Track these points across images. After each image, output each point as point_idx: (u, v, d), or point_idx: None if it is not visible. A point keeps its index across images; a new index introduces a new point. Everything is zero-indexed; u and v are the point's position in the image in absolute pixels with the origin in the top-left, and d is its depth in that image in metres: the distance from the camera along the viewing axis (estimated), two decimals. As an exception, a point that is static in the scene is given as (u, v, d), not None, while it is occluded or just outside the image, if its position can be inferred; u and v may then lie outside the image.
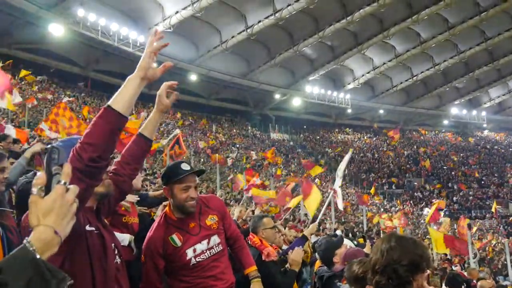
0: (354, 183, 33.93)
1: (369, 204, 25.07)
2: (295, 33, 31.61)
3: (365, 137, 43.45)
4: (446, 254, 12.43)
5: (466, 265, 12.05)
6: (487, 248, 17.03)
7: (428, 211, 28.51)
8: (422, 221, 26.83)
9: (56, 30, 24.17)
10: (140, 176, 4.75)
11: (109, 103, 1.73)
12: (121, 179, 2.15)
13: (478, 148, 43.95)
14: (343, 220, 17.75)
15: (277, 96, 37.16)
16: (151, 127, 2.24)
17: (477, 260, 13.07)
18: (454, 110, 44.68)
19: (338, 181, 6.65)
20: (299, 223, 11.58)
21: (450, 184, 36.50)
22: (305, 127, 42.57)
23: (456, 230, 11.28)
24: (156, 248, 2.62)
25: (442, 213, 16.06)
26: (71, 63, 29.01)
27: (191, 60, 30.83)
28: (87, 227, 1.91)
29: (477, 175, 36.29)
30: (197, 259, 2.65)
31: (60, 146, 1.13)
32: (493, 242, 19.17)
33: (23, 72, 18.86)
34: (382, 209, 27.66)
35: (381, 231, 12.85)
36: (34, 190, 1.06)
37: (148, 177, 11.05)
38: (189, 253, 2.64)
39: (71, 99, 22.08)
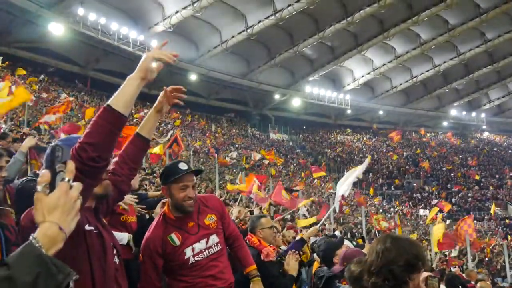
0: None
1: (367, 205, 25.08)
2: (295, 34, 31.61)
3: (365, 138, 43.47)
4: (445, 255, 12.45)
5: (464, 267, 12.06)
6: (485, 250, 17.03)
7: (423, 212, 28.56)
8: (421, 222, 26.85)
9: (56, 29, 24.15)
10: (138, 176, 4.76)
11: (108, 102, 1.73)
12: (120, 179, 2.15)
13: (478, 150, 43.98)
14: (342, 221, 17.74)
15: (276, 97, 37.16)
16: (149, 127, 2.24)
17: (475, 262, 13.08)
18: (453, 112, 44.68)
19: (346, 188, 6.42)
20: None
21: (449, 186, 36.51)
22: (304, 127, 42.57)
23: (460, 230, 11.28)
24: (155, 247, 2.63)
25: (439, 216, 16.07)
26: (71, 62, 29.00)
27: (191, 60, 30.83)
28: (86, 227, 1.92)
29: (477, 177, 36.33)
30: (196, 258, 2.66)
31: (62, 144, 1.15)
32: (492, 244, 19.18)
33: (19, 71, 18.87)
34: (381, 210, 27.66)
35: (376, 231, 12.85)
36: (39, 187, 1.08)
37: (147, 177, 11.03)
38: (188, 252, 2.65)
39: (71, 98, 22.08)
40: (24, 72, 19.54)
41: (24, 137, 10.79)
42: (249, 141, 34.74)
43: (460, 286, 5.46)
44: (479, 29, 33.95)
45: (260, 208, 9.73)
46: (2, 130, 8.00)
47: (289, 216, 11.01)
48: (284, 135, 40.42)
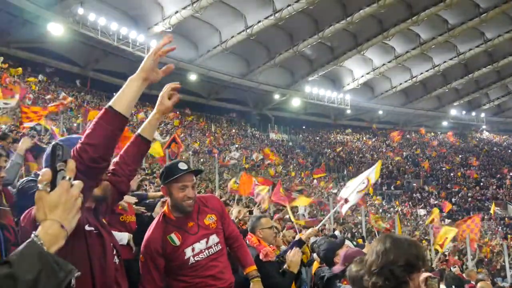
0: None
1: (367, 205, 25.08)
2: (295, 34, 31.62)
3: (365, 138, 43.48)
4: (444, 255, 12.45)
5: (464, 267, 12.05)
6: (483, 249, 17.04)
7: (423, 211, 28.57)
8: (420, 222, 26.85)
9: (56, 29, 24.13)
10: (136, 177, 4.76)
11: (110, 103, 1.73)
12: (119, 180, 2.14)
13: (477, 149, 43.99)
14: (342, 221, 17.74)
15: (276, 96, 37.16)
16: (150, 128, 2.23)
17: (474, 261, 13.08)
18: (453, 112, 44.70)
19: (350, 191, 6.22)
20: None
21: (449, 185, 36.52)
22: (304, 127, 42.59)
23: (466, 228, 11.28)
24: (155, 247, 2.63)
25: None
26: (70, 63, 28.99)
27: (191, 60, 30.84)
28: (86, 227, 1.92)
29: (475, 176, 36.35)
30: (196, 258, 2.66)
31: (62, 144, 1.16)
32: (493, 243, 19.19)
33: (14, 71, 18.88)
34: (380, 210, 27.67)
35: (376, 231, 12.85)
36: (40, 185, 1.09)
37: (147, 177, 11.03)
38: (188, 252, 2.65)
39: (70, 98, 22.09)
40: (20, 71, 19.52)
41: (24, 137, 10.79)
42: (249, 141, 34.74)
43: (453, 287, 5.47)
44: (478, 29, 33.96)
45: (260, 208, 9.73)
46: (1, 131, 8.00)
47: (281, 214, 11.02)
48: (284, 135, 40.42)
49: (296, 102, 38.09)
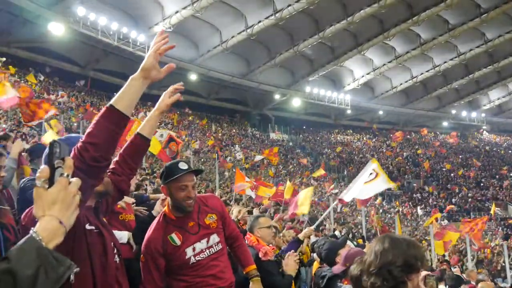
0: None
1: (367, 205, 25.05)
2: (295, 34, 31.61)
3: (365, 138, 43.48)
4: (444, 255, 12.45)
5: (464, 267, 12.06)
6: (485, 250, 17.03)
7: (421, 211, 28.55)
8: (421, 222, 26.83)
9: (56, 29, 24.15)
10: (134, 178, 4.75)
11: (111, 102, 1.73)
12: (120, 179, 2.15)
13: (478, 150, 43.97)
14: (342, 221, 17.74)
15: (276, 96, 37.17)
16: (150, 127, 2.24)
17: (474, 261, 13.09)
18: (453, 112, 44.69)
19: (348, 191, 6.14)
20: (298, 223, 11.56)
21: (449, 186, 36.51)
22: (304, 127, 42.59)
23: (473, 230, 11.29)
24: (156, 247, 2.63)
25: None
26: (71, 62, 29.01)
27: (191, 60, 30.85)
28: (87, 226, 1.92)
29: (472, 175, 36.35)
30: (197, 258, 2.66)
31: (60, 141, 1.16)
32: (492, 244, 19.19)
33: (11, 69, 18.90)
34: (381, 210, 27.65)
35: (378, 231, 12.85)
36: (38, 182, 1.09)
37: (147, 177, 11.02)
38: (189, 252, 2.65)
39: (64, 98, 22.15)
40: (15, 70, 19.55)
41: (23, 137, 10.81)
42: (249, 141, 34.75)
43: (447, 286, 5.47)
44: (479, 29, 33.96)
45: (260, 208, 9.74)
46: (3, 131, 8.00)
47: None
48: (284, 135, 40.42)
49: (296, 102, 38.10)
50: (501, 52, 36.44)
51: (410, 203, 33.18)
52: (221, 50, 30.59)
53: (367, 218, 15.36)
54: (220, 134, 32.82)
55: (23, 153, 4.40)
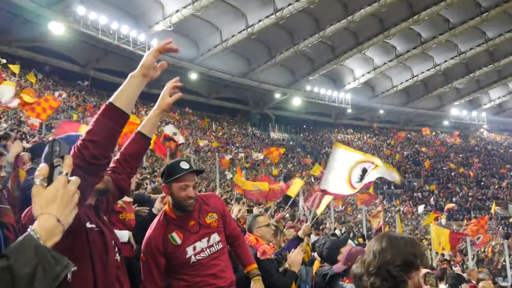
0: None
1: (371, 204, 25.05)
2: (296, 33, 31.60)
3: (365, 137, 43.47)
4: (443, 255, 12.44)
5: (464, 266, 12.06)
6: (486, 249, 17.04)
7: (421, 209, 28.55)
8: (421, 221, 26.83)
9: (56, 28, 24.15)
10: (134, 178, 4.74)
11: (111, 100, 1.72)
12: (120, 177, 2.14)
13: (478, 149, 43.95)
14: (342, 220, 17.76)
15: (277, 96, 37.16)
16: (151, 125, 2.23)
17: (474, 260, 13.09)
18: (454, 111, 44.66)
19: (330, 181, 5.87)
20: (299, 222, 11.56)
21: (450, 185, 36.51)
22: (305, 126, 42.57)
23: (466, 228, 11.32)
24: (157, 246, 2.62)
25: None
26: (71, 62, 29.01)
27: (192, 59, 30.83)
28: (88, 224, 1.92)
29: (472, 174, 36.34)
30: (197, 257, 2.65)
31: (60, 140, 1.16)
32: (493, 243, 19.19)
33: (14, 67, 18.89)
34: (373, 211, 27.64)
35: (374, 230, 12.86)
36: (37, 180, 1.09)
37: (148, 176, 11.02)
38: (189, 251, 2.64)
39: (64, 94, 22.12)
40: (18, 67, 19.53)
41: (23, 136, 10.81)
42: (249, 140, 34.74)
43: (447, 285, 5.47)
44: (480, 28, 33.93)
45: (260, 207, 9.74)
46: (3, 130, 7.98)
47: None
48: (285, 134, 40.41)
49: (296, 101, 38.09)
50: (502, 51, 36.41)
51: (410, 202, 33.18)
52: (221, 49, 30.58)
53: (369, 215, 15.33)
54: (220, 133, 32.82)
55: (23, 153, 4.38)
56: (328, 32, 30.46)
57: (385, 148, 41.54)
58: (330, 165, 5.95)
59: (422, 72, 38.40)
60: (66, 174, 1.11)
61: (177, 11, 26.88)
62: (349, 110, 40.52)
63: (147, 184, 8.34)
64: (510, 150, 43.85)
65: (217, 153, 20.64)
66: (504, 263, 13.76)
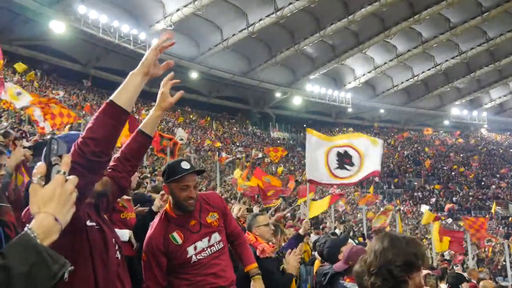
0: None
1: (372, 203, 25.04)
2: (296, 32, 31.58)
3: (366, 137, 43.37)
4: (443, 255, 12.45)
5: (465, 266, 12.05)
6: (486, 249, 17.03)
7: (424, 208, 28.58)
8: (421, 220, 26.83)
9: (57, 27, 24.17)
10: (136, 174, 4.75)
11: (111, 98, 1.72)
12: (120, 175, 2.14)
13: (479, 148, 43.92)
14: (342, 219, 17.75)
15: (277, 95, 37.15)
16: (152, 124, 2.21)
17: (475, 260, 13.09)
18: (455, 111, 44.63)
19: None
20: (299, 221, 11.56)
21: (450, 184, 36.50)
22: (305, 125, 42.51)
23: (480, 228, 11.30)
24: (157, 246, 2.62)
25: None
26: (72, 60, 29.01)
27: (192, 58, 30.83)
28: (88, 223, 1.92)
29: (471, 176, 36.33)
30: (198, 257, 2.64)
31: (59, 138, 1.16)
32: (493, 243, 19.20)
33: (21, 66, 18.84)
34: (382, 209, 27.64)
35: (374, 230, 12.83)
36: (35, 179, 1.08)
37: (148, 175, 11.01)
38: (190, 251, 2.63)
39: (69, 94, 22.10)
40: (26, 68, 19.52)
41: (23, 135, 10.80)
42: (250, 140, 34.74)
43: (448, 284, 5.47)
44: (480, 28, 33.89)
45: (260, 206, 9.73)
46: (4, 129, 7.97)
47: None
48: (285, 133, 40.40)
49: (297, 101, 38.07)
50: (503, 51, 36.38)
51: (411, 201, 33.17)
52: (222, 48, 30.57)
53: (373, 212, 15.31)
54: (220, 132, 32.81)
55: (24, 148, 4.36)
56: (329, 31, 30.44)
57: (385, 147, 41.50)
58: (307, 154, 5.92)
59: (423, 72, 38.37)
60: (64, 173, 1.11)
61: (178, 10, 26.88)
62: (350, 110, 40.50)
63: (147, 183, 8.34)
64: (511, 150, 43.81)
65: (217, 152, 20.63)
66: (504, 262, 13.76)
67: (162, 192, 3.54)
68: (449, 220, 23.69)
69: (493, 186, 36.11)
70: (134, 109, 19.86)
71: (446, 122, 46.32)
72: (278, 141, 37.58)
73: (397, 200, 32.40)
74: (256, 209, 8.67)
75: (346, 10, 29.60)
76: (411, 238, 1.74)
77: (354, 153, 5.73)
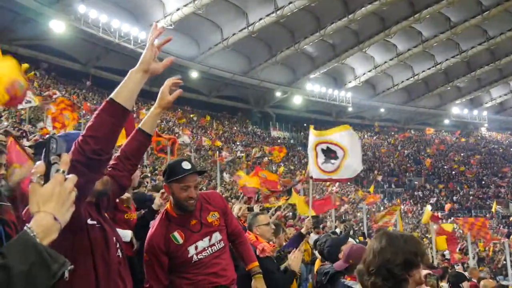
0: (354, 182, 33.88)
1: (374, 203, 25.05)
2: (297, 31, 31.57)
3: (366, 136, 43.44)
4: (443, 255, 12.44)
5: (465, 265, 12.04)
6: (487, 248, 17.03)
7: (430, 208, 28.61)
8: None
9: (57, 27, 24.17)
10: (138, 173, 4.74)
11: (111, 96, 1.72)
12: (121, 174, 2.14)
13: (479, 148, 43.91)
14: (343, 219, 17.75)
15: (278, 94, 37.15)
16: (151, 123, 2.22)
17: (475, 260, 13.08)
18: (455, 110, 44.63)
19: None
20: (299, 221, 11.56)
21: (451, 183, 36.50)
22: (305, 125, 42.52)
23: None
24: (159, 245, 2.62)
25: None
26: (72, 60, 29.00)
27: (192, 57, 30.82)
28: (89, 221, 1.92)
29: (470, 175, 36.35)
30: (199, 256, 2.65)
31: (58, 138, 1.15)
32: (494, 242, 19.20)
33: (23, 66, 18.81)
34: (382, 208, 27.65)
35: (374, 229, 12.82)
36: (34, 178, 1.08)
37: (149, 174, 11.02)
38: (191, 250, 2.64)
39: (69, 94, 22.09)
40: (28, 67, 19.51)
41: (24, 134, 10.80)
42: (250, 139, 34.74)
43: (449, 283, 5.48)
44: (481, 27, 33.86)
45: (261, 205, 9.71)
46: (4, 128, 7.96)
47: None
48: (285, 132, 40.41)
49: (297, 100, 38.06)
50: (503, 50, 36.34)
51: (411, 201, 33.18)
52: (222, 47, 30.56)
53: (368, 216, 15.33)
54: (221, 132, 32.80)
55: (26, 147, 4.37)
56: (329, 30, 30.43)
57: (385, 147, 41.51)
58: (309, 152, 6.03)
59: (423, 71, 38.36)
60: (63, 171, 1.10)
61: (178, 9, 26.87)
62: (350, 109, 40.48)
63: (147, 182, 8.34)
64: (511, 149, 43.80)
65: (217, 152, 20.61)
66: (505, 262, 13.75)
67: (162, 190, 3.54)
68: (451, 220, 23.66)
69: (494, 185, 36.12)
70: (134, 108, 19.85)
71: (447, 121, 46.32)
72: (279, 140, 37.59)
73: (398, 199, 32.40)
74: (256, 209, 8.67)
75: (346, 9, 29.58)
76: (409, 236, 1.73)
77: (337, 148, 5.90)
